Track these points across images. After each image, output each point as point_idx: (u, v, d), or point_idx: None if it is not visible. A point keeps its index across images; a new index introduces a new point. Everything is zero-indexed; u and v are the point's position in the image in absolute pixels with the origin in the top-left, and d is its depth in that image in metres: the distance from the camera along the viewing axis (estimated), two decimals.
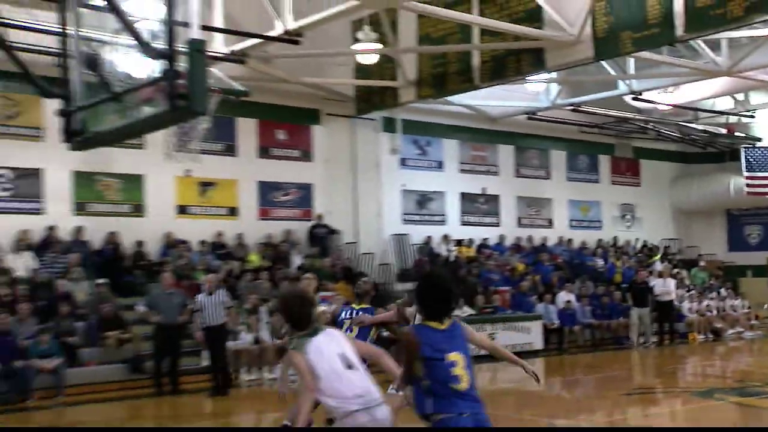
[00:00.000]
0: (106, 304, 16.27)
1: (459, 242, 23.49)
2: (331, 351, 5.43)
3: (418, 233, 23.13)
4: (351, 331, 8.72)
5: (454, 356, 5.01)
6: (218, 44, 16.62)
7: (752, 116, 26.29)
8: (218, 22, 16.06)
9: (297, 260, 20.04)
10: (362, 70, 19.80)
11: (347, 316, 9.02)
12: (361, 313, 8.93)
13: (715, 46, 18.93)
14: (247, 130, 20.85)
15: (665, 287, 22.04)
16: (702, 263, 27.54)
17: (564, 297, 21.79)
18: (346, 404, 5.33)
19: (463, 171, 24.93)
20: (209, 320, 14.29)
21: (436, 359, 4.99)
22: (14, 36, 9.02)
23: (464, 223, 24.56)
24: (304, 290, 8.33)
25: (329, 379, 5.30)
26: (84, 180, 18.51)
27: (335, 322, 8.92)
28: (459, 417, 4.90)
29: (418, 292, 5.24)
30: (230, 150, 20.58)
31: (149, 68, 7.34)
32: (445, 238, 23.36)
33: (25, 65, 8.20)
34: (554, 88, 22.91)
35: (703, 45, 18.62)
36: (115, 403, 14.11)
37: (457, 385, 4.97)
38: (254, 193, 20.98)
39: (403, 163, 23.60)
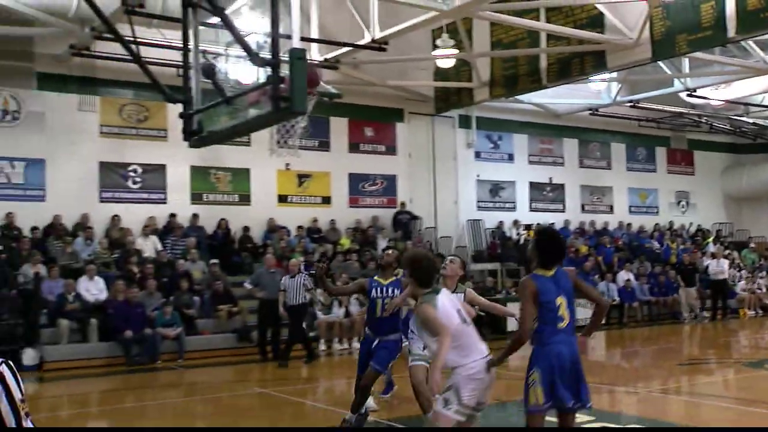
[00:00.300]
0: (218, 281, 16.65)
1: (528, 227, 23.22)
2: (451, 307, 5.53)
3: (490, 219, 22.97)
4: (385, 311, 7.59)
5: (560, 299, 5.31)
6: (314, 53, 16.77)
7: None
8: (314, 33, 16.18)
9: (382, 243, 20.11)
10: (441, 73, 19.71)
11: (379, 295, 7.68)
12: (391, 289, 7.64)
13: (764, 45, 18.23)
14: (339, 128, 21.01)
15: (719, 267, 21.54)
16: (752, 245, 26.64)
17: (624, 276, 21.40)
18: (464, 357, 5.41)
19: (531, 162, 24.62)
20: (292, 300, 14.16)
21: (548, 302, 5.26)
22: (145, 52, 9.28)
23: (533, 210, 24.26)
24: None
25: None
26: (200, 174, 18.96)
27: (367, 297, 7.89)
28: (557, 346, 5.23)
29: (536, 244, 5.51)
30: (324, 146, 20.77)
31: (256, 75, 7.48)
32: (515, 223, 23.12)
33: (154, 76, 8.44)
34: (615, 86, 22.41)
35: (753, 45, 17.94)
36: (225, 367, 14.41)
37: (561, 323, 5.30)
38: (345, 184, 21.14)
39: (478, 155, 23.45)
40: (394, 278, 7.72)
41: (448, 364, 5.37)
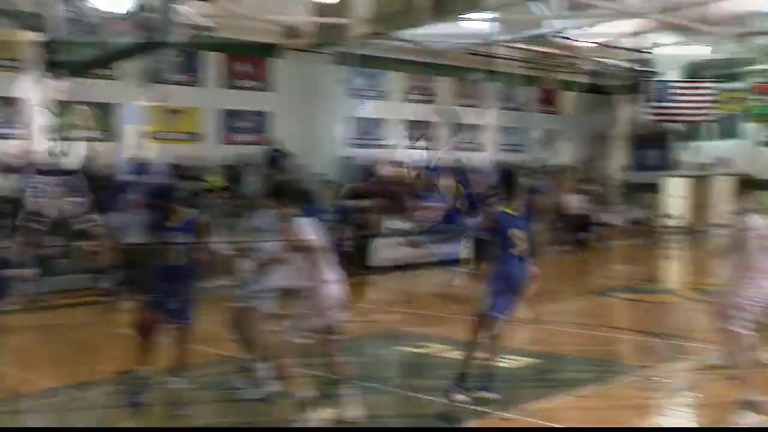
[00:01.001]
0: None
1: (400, 164, 23.79)
2: (312, 228, 6.20)
3: (364, 156, 23.39)
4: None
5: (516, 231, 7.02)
6: None
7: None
8: None
9: (254, 181, 20.05)
10: (319, 9, 19.70)
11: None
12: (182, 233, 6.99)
13: None
14: (211, 62, 20.70)
15: (573, 203, 22.97)
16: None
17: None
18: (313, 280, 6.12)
19: (408, 101, 25.12)
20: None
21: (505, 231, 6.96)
22: None
23: (407, 147, 24.82)
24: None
25: None
26: (63, 109, 18.19)
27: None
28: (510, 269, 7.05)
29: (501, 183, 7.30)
30: (196, 81, 20.46)
31: (125, 4, 7.42)
32: (387, 160, 23.62)
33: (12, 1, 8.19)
34: (494, 26, 23.10)
35: None
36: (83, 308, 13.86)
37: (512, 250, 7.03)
38: (217, 120, 20.95)
39: (353, 93, 23.69)
40: (186, 217, 7.12)
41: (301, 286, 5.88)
